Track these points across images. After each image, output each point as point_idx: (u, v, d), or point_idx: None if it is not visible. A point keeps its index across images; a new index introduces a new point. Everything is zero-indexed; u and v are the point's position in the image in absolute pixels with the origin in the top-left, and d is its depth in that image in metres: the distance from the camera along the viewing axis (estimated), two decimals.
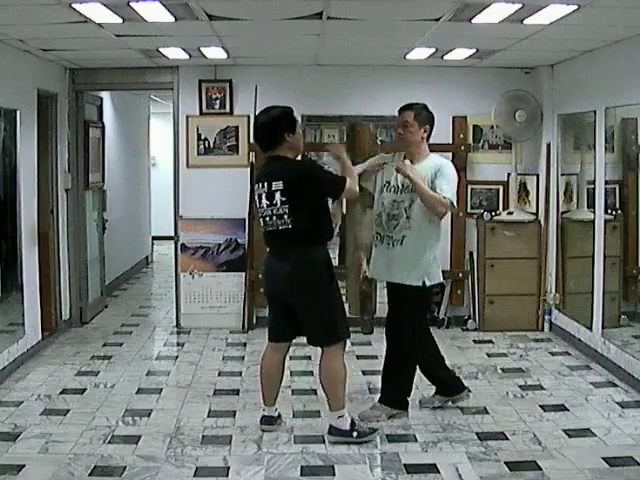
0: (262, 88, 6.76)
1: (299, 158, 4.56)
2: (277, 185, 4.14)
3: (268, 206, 4.19)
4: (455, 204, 4.45)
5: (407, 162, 4.44)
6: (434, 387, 4.88)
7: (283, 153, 4.21)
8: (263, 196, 4.21)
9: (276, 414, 4.54)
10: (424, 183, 4.37)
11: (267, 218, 4.22)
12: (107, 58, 6.42)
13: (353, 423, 4.30)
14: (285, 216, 4.15)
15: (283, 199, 4.13)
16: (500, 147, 7.02)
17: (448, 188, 4.38)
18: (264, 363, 4.53)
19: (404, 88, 6.93)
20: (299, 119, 4.36)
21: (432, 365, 4.81)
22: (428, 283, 4.49)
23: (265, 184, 4.20)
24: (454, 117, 6.91)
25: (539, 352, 6.21)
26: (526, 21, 4.70)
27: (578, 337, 6.18)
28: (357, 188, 4.37)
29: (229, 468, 3.97)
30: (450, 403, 4.83)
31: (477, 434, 4.41)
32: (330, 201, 4.40)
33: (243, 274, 6.96)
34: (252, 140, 6.78)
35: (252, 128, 4.41)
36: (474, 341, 6.59)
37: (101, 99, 8.01)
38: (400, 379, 4.67)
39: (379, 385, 4.93)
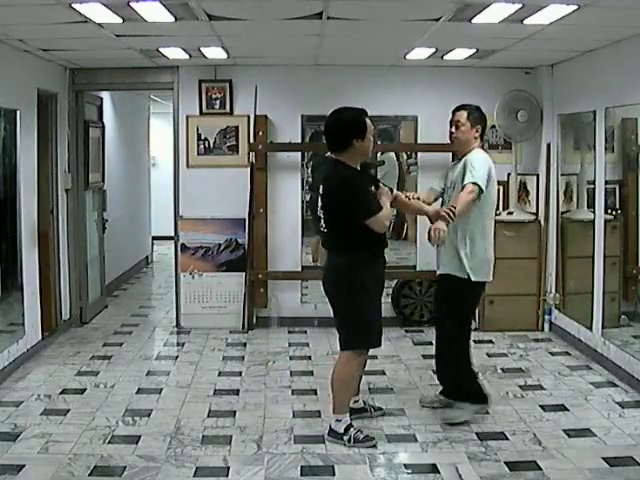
0: (262, 88, 6.78)
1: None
2: (321, 189, 4.24)
3: (316, 206, 4.30)
4: (480, 185, 4.36)
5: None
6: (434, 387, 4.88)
7: (345, 158, 4.18)
8: (316, 195, 4.32)
9: (355, 405, 4.58)
10: (458, 178, 4.47)
11: (317, 218, 4.34)
12: (107, 58, 6.42)
13: (348, 428, 4.27)
14: (322, 220, 4.26)
15: (321, 204, 4.24)
16: (500, 147, 7.02)
17: (469, 175, 4.39)
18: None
19: (404, 88, 6.96)
20: (369, 123, 4.23)
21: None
22: (473, 278, 4.49)
23: (319, 185, 4.29)
24: None
25: (539, 352, 6.21)
26: (526, 21, 4.70)
27: (578, 337, 6.19)
28: (385, 224, 4.27)
29: (229, 468, 3.97)
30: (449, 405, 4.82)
31: (477, 434, 4.41)
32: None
33: (243, 274, 6.96)
34: (252, 140, 6.84)
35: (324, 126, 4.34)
36: (474, 341, 6.52)
37: (101, 99, 8.01)
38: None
39: (379, 385, 4.94)
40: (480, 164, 4.43)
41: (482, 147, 4.67)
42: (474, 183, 4.35)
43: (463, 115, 4.57)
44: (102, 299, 7.89)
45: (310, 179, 8.85)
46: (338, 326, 4.37)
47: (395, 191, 4.52)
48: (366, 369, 5.63)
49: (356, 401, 4.65)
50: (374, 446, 4.24)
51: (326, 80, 6.95)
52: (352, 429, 4.28)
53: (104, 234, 7.90)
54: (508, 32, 5.15)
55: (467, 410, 4.60)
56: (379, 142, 7.08)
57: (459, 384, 4.67)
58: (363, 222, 4.11)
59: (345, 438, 4.25)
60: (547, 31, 4.98)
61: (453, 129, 4.63)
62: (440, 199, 4.78)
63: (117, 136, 8.94)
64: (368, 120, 4.23)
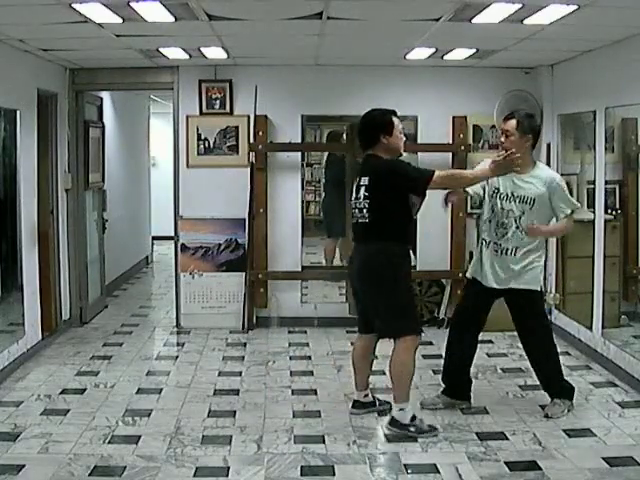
0: (262, 88, 6.78)
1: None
2: (364, 181, 4.38)
3: (355, 199, 4.43)
4: (576, 211, 4.56)
5: (536, 226, 4.52)
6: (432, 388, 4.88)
7: (379, 153, 4.39)
8: (354, 190, 4.46)
9: (365, 399, 4.71)
10: (539, 198, 4.48)
11: (355, 210, 4.46)
12: (107, 58, 6.42)
13: (413, 418, 4.38)
14: (364, 210, 4.36)
15: (366, 194, 4.34)
16: (500, 147, 7.01)
17: (568, 203, 4.52)
18: (353, 349, 4.82)
19: (404, 88, 6.96)
20: (397, 122, 4.42)
21: (457, 365, 4.83)
22: (536, 288, 4.61)
23: (358, 179, 4.46)
24: (454, 117, 6.91)
25: None
26: (526, 21, 4.70)
27: (578, 337, 6.18)
28: (456, 182, 4.43)
29: (229, 468, 3.97)
30: (450, 406, 4.82)
31: (477, 434, 4.41)
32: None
33: (243, 274, 6.96)
34: (252, 140, 6.84)
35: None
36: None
37: (101, 99, 8.01)
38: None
39: (379, 385, 4.93)
40: (565, 188, 4.54)
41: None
42: (572, 212, 4.53)
43: (512, 124, 4.52)
44: (102, 299, 7.89)
45: (324, 179, 8.87)
46: (381, 318, 4.44)
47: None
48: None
49: (366, 395, 4.73)
50: (436, 435, 4.36)
51: (326, 80, 6.95)
52: (417, 419, 4.38)
53: (104, 234, 7.89)
54: (508, 32, 5.15)
55: (567, 404, 4.70)
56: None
57: (559, 381, 4.76)
58: (424, 190, 4.28)
59: (412, 429, 4.34)
60: (547, 31, 4.98)
61: (502, 138, 4.59)
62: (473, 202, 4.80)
63: (117, 136, 8.94)
64: (396, 118, 4.43)
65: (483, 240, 4.69)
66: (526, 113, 4.67)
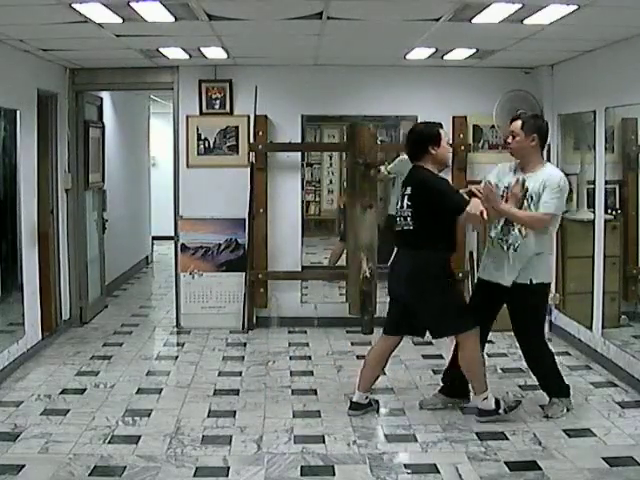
0: (262, 88, 6.78)
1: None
2: (408, 190, 4.56)
3: (400, 208, 4.60)
4: (557, 214, 4.53)
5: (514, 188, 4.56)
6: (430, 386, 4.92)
7: (427, 164, 4.55)
8: (399, 198, 4.64)
9: (365, 401, 4.77)
10: (535, 196, 4.49)
11: (399, 218, 4.62)
12: (107, 58, 6.42)
13: (497, 402, 4.58)
14: (409, 218, 4.53)
15: (409, 203, 4.53)
16: (500, 147, 7.01)
17: (550, 203, 4.47)
18: (371, 350, 4.88)
19: (404, 88, 6.97)
20: (444, 134, 4.61)
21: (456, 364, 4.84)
22: (535, 281, 4.57)
23: (403, 188, 4.62)
24: (454, 117, 6.91)
25: None
26: (526, 21, 4.70)
27: (578, 337, 6.18)
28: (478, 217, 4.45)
29: (229, 468, 3.97)
30: (450, 405, 4.83)
31: (477, 434, 4.41)
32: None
33: (243, 274, 6.96)
34: (252, 140, 6.84)
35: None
36: None
37: (101, 99, 8.01)
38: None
39: (379, 385, 4.93)
40: (559, 188, 4.47)
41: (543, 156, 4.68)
42: (550, 213, 4.47)
43: (517, 125, 4.58)
44: (102, 299, 7.89)
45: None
46: (437, 320, 4.56)
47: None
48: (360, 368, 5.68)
49: (366, 397, 4.77)
50: (521, 403, 4.71)
51: (326, 80, 6.95)
52: (501, 401, 4.60)
53: (104, 234, 7.89)
54: (508, 32, 5.15)
55: (565, 402, 4.74)
56: (379, 142, 7.09)
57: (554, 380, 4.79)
58: (456, 217, 4.47)
59: (501, 411, 4.56)
60: (547, 31, 4.98)
61: (509, 139, 4.65)
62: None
63: (117, 136, 8.94)
64: (443, 130, 4.62)
65: (489, 237, 4.73)
66: (532, 114, 4.72)
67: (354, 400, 4.77)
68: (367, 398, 4.78)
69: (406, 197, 4.55)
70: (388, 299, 4.88)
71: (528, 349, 4.77)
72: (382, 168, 7.90)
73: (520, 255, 4.54)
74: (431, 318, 4.59)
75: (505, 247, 4.60)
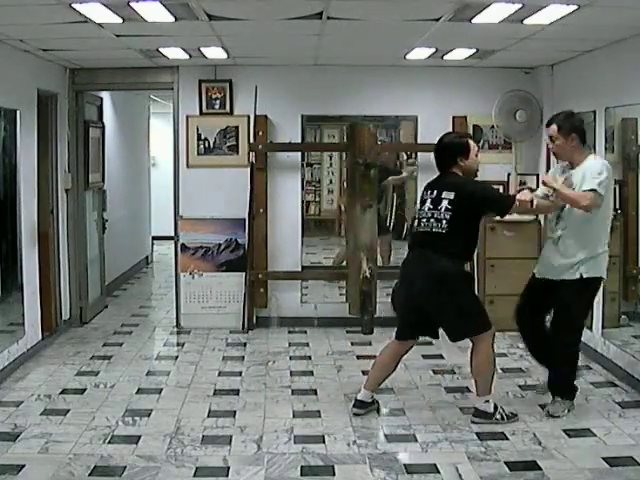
0: (262, 88, 6.78)
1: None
2: (448, 195, 4.54)
3: (430, 209, 4.58)
4: (599, 192, 4.45)
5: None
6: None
7: (455, 171, 4.64)
8: (428, 201, 4.62)
9: (370, 400, 4.79)
10: (577, 188, 4.53)
11: (424, 219, 4.60)
12: (107, 58, 6.42)
13: (496, 407, 4.60)
14: (444, 221, 4.52)
15: (449, 207, 4.51)
16: (500, 147, 7.03)
17: (590, 182, 4.48)
18: (384, 350, 4.87)
19: (404, 88, 6.97)
20: (473, 145, 4.70)
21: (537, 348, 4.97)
22: (585, 275, 4.58)
23: (435, 192, 4.62)
24: (454, 117, 6.91)
25: None
26: (526, 21, 4.70)
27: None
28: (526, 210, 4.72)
29: (229, 468, 3.97)
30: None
31: (477, 434, 4.41)
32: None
33: (243, 274, 6.96)
34: (252, 140, 6.84)
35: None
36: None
37: (101, 99, 8.01)
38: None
39: (382, 384, 4.92)
40: (598, 170, 4.47)
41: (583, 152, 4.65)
42: (594, 190, 4.45)
43: (554, 129, 4.61)
44: (102, 299, 7.89)
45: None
46: (455, 323, 4.59)
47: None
48: (366, 369, 5.67)
49: (371, 397, 4.80)
50: (517, 420, 4.61)
51: (326, 80, 6.95)
52: (499, 407, 4.61)
53: (104, 234, 7.89)
54: (508, 32, 5.15)
55: (567, 404, 4.75)
56: (379, 142, 7.10)
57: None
58: (506, 213, 4.64)
59: (497, 417, 4.57)
60: (547, 31, 4.98)
61: (550, 144, 4.71)
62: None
63: (117, 136, 8.94)
64: (472, 142, 4.72)
65: (546, 235, 4.85)
66: (565, 114, 4.70)
67: (359, 398, 4.78)
68: (372, 397, 4.80)
69: (445, 201, 4.52)
70: (395, 303, 4.93)
71: (562, 345, 4.75)
72: (410, 169, 7.95)
73: (564, 249, 4.60)
74: (450, 321, 4.61)
75: (553, 242, 4.68)
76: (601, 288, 4.90)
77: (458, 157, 4.61)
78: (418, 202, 4.77)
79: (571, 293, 4.63)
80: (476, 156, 4.70)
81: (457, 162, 4.61)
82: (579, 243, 4.59)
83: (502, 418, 4.56)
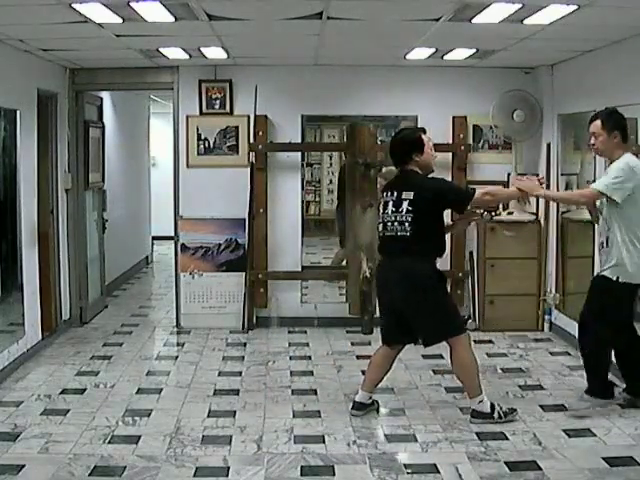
0: (262, 88, 6.78)
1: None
2: (407, 195, 4.48)
3: (392, 212, 4.52)
4: (604, 193, 4.44)
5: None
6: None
7: (413, 168, 4.58)
8: (390, 203, 4.55)
9: (369, 401, 4.78)
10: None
11: (389, 223, 4.54)
12: (107, 58, 6.42)
13: (493, 406, 4.56)
14: (406, 223, 4.47)
15: (409, 208, 4.45)
16: (500, 147, 7.03)
17: (599, 181, 4.54)
18: (377, 351, 4.86)
19: (404, 88, 6.97)
20: (427, 139, 4.60)
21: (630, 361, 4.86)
22: (622, 279, 4.52)
23: (395, 193, 4.55)
24: (454, 117, 6.92)
25: (539, 352, 6.21)
26: (526, 21, 4.70)
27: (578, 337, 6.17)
28: (492, 199, 4.71)
29: (229, 468, 3.97)
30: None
31: (477, 434, 4.41)
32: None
33: (243, 274, 6.96)
34: (252, 140, 6.84)
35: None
36: (474, 341, 6.46)
37: (101, 99, 8.01)
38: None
39: (379, 385, 4.92)
40: (614, 171, 4.44)
41: (625, 150, 4.54)
42: (596, 189, 4.46)
43: (597, 125, 4.56)
44: (102, 299, 7.89)
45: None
46: (429, 326, 4.56)
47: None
48: (366, 369, 5.66)
49: (369, 397, 4.79)
50: (517, 414, 4.60)
51: (326, 80, 6.95)
52: (496, 406, 4.57)
53: (104, 234, 7.89)
54: (508, 32, 5.15)
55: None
56: (379, 142, 7.10)
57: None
58: (465, 208, 4.61)
59: (495, 416, 4.53)
60: (547, 31, 4.98)
61: (592, 140, 4.61)
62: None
63: (117, 136, 8.94)
64: (425, 136, 4.61)
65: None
66: (609, 111, 4.63)
67: (357, 400, 4.78)
68: (370, 398, 4.80)
69: (406, 202, 4.46)
70: (379, 308, 4.93)
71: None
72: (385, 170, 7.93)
73: (604, 250, 4.61)
74: (424, 322, 4.57)
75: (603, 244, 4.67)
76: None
77: (413, 153, 4.54)
78: (380, 205, 4.68)
79: (603, 291, 4.68)
80: (431, 150, 4.60)
81: (412, 158, 4.54)
82: (618, 243, 4.55)
83: (500, 417, 4.55)
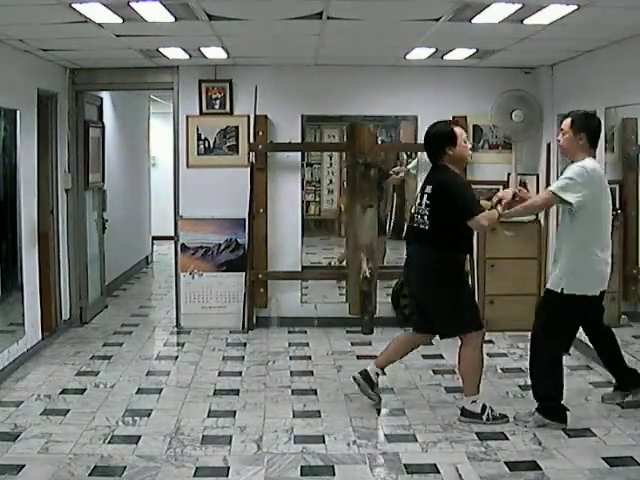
0: (262, 88, 6.78)
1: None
2: (428, 189, 4.60)
3: (419, 205, 4.64)
4: (556, 191, 4.34)
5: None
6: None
7: (445, 163, 4.59)
8: (419, 196, 4.70)
9: (375, 378, 4.83)
10: None
11: (416, 215, 4.66)
12: (107, 58, 6.42)
13: (484, 408, 4.56)
14: (425, 217, 4.57)
15: (427, 202, 4.57)
16: (500, 147, 7.03)
17: (554, 183, 4.52)
18: (403, 332, 5.06)
19: (404, 88, 6.96)
20: (460, 132, 4.60)
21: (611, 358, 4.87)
22: (565, 291, 4.41)
23: (423, 185, 4.70)
24: (454, 117, 6.89)
25: None
26: (526, 21, 4.70)
27: (578, 337, 6.16)
28: (482, 225, 4.52)
29: (229, 468, 3.97)
30: (630, 398, 4.79)
31: (477, 434, 4.41)
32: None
33: (243, 274, 6.96)
34: (252, 140, 6.84)
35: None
36: None
37: (101, 99, 8.01)
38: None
39: (379, 385, 4.93)
40: (570, 174, 4.35)
41: (594, 155, 4.46)
42: (550, 190, 4.43)
43: (567, 123, 4.51)
44: (102, 299, 7.89)
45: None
46: (442, 319, 4.62)
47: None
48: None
49: (377, 374, 4.85)
50: (507, 422, 4.54)
51: (326, 80, 6.95)
52: (487, 408, 4.57)
53: (104, 234, 7.89)
54: (508, 32, 5.15)
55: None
56: (379, 142, 7.10)
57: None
58: (468, 221, 4.45)
59: (483, 417, 4.53)
60: (547, 31, 4.98)
61: (559, 136, 4.58)
62: None
63: (117, 136, 8.94)
64: (458, 128, 4.63)
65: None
66: (584, 112, 4.55)
67: (367, 369, 4.83)
68: (378, 375, 4.84)
69: (425, 196, 4.58)
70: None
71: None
72: (397, 169, 7.92)
73: (555, 260, 4.55)
74: (438, 317, 4.65)
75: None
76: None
77: (446, 147, 4.55)
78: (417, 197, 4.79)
79: (547, 303, 4.64)
80: (465, 142, 4.61)
81: (446, 152, 4.55)
82: (562, 251, 4.51)
83: (488, 419, 4.54)
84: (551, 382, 4.51)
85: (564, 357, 4.60)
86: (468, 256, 6.34)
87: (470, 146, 4.71)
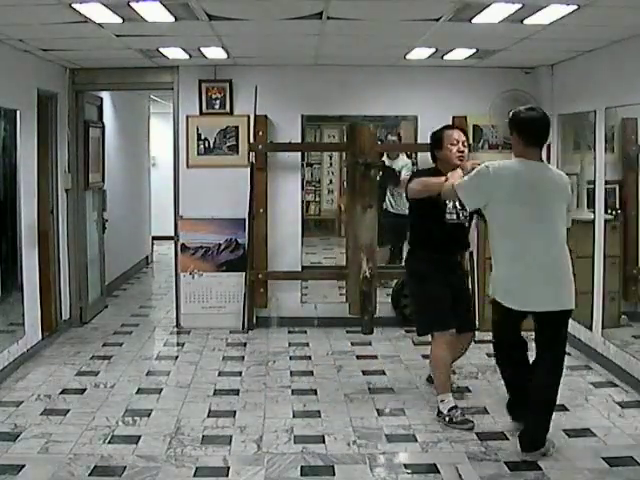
0: (262, 88, 6.78)
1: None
2: None
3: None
4: (455, 186, 4.21)
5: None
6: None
7: (437, 165, 4.75)
8: None
9: (453, 387, 4.92)
10: None
11: None
12: (107, 58, 6.42)
13: (452, 408, 4.56)
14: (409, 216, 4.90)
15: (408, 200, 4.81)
16: (500, 147, 7.02)
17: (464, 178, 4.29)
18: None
19: (404, 88, 6.97)
20: (448, 134, 4.68)
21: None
22: (490, 295, 4.37)
23: None
24: (454, 117, 6.89)
25: None
26: (526, 21, 4.71)
27: (578, 337, 6.18)
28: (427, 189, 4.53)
29: (229, 468, 3.97)
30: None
31: (477, 434, 4.41)
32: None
33: (243, 274, 6.96)
34: (252, 140, 6.84)
35: None
36: (474, 341, 6.56)
37: (101, 99, 8.01)
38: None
39: (379, 385, 4.93)
40: (475, 172, 4.16)
41: (523, 155, 4.17)
42: (458, 184, 4.22)
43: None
44: (102, 299, 7.89)
45: None
46: (415, 313, 4.92)
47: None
48: (366, 369, 5.68)
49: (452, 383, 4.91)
50: (470, 429, 4.44)
51: (326, 80, 6.95)
52: (454, 410, 4.55)
53: (104, 234, 7.89)
54: (508, 32, 5.15)
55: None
56: (379, 142, 7.10)
57: None
58: (406, 195, 4.71)
59: (446, 419, 4.53)
60: (547, 31, 4.98)
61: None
62: None
63: (117, 136, 8.94)
64: (448, 131, 4.74)
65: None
66: (513, 112, 4.31)
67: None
68: (452, 383, 4.92)
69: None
70: None
71: None
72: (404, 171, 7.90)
73: None
74: (413, 311, 4.91)
75: None
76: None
77: (434, 149, 4.73)
78: None
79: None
80: (451, 145, 4.59)
81: (435, 154, 4.74)
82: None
83: (450, 421, 4.49)
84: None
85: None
86: (468, 256, 6.37)
87: (464, 149, 4.63)
